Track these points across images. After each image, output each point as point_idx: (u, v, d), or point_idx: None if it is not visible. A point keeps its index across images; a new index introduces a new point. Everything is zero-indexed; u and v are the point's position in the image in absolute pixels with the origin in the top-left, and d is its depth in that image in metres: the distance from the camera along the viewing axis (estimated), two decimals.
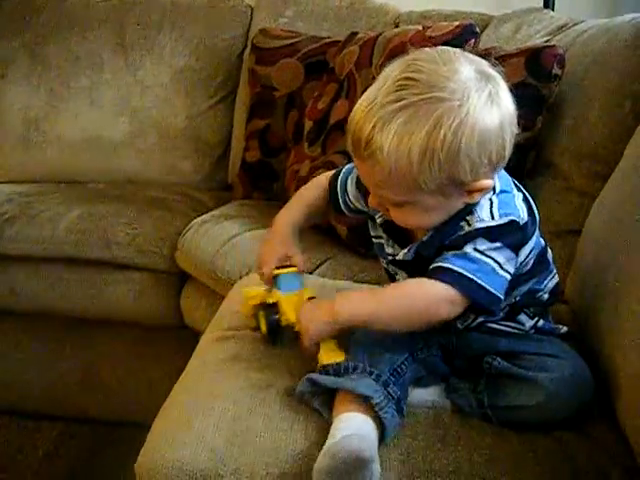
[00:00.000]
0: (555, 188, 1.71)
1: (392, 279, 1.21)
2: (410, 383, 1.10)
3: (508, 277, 1.04)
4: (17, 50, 2.59)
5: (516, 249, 1.05)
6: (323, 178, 1.29)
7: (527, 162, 1.74)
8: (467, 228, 1.04)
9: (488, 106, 0.98)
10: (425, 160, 0.96)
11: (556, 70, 1.70)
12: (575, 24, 1.95)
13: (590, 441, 1.06)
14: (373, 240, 1.22)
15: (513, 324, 1.15)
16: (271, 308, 1.18)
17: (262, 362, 1.19)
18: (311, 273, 1.69)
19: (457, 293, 1.02)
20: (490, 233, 1.03)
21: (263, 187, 2.30)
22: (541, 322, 1.17)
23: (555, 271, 1.19)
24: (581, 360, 1.11)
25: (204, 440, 1.02)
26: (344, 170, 1.25)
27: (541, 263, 1.14)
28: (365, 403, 1.01)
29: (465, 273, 1.01)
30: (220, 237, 1.96)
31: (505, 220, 1.03)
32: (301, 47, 2.30)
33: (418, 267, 1.09)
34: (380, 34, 2.02)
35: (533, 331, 1.16)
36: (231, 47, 2.55)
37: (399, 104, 0.96)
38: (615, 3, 2.50)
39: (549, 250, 1.17)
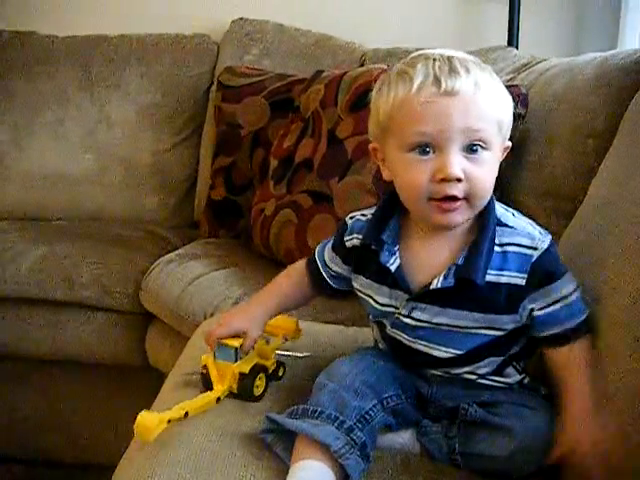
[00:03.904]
0: None
1: (383, 331, 1.16)
2: (379, 429, 1.08)
3: None
4: None
5: None
6: (300, 263, 1.27)
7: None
8: (535, 253, 1.06)
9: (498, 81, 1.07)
10: (500, 96, 1.04)
11: (519, 110, 1.72)
12: (538, 62, 1.98)
13: None
14: (360, 296, 1.17)
15: (500, 379, 1.12)
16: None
17: (225, 407, 1.17)
18: None
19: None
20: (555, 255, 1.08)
21: (229, 225, 2.29)
22: (527, 380, 1.14)
23: None
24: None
25: None
26: (318, 249, 1.24)
27: None
28: (326, 450, 0.98)
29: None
30: (185, 277, 1.94)
31: (550, 238, 1.08)
32: (267, 85, 2.30)
33: (456, 297, 1.07)
34: (345, 73, 2.03)
35: (517, 387, 1.14)
36: (197, 84, 2.56)
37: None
38: (578, 41, 2.54)
39: None
